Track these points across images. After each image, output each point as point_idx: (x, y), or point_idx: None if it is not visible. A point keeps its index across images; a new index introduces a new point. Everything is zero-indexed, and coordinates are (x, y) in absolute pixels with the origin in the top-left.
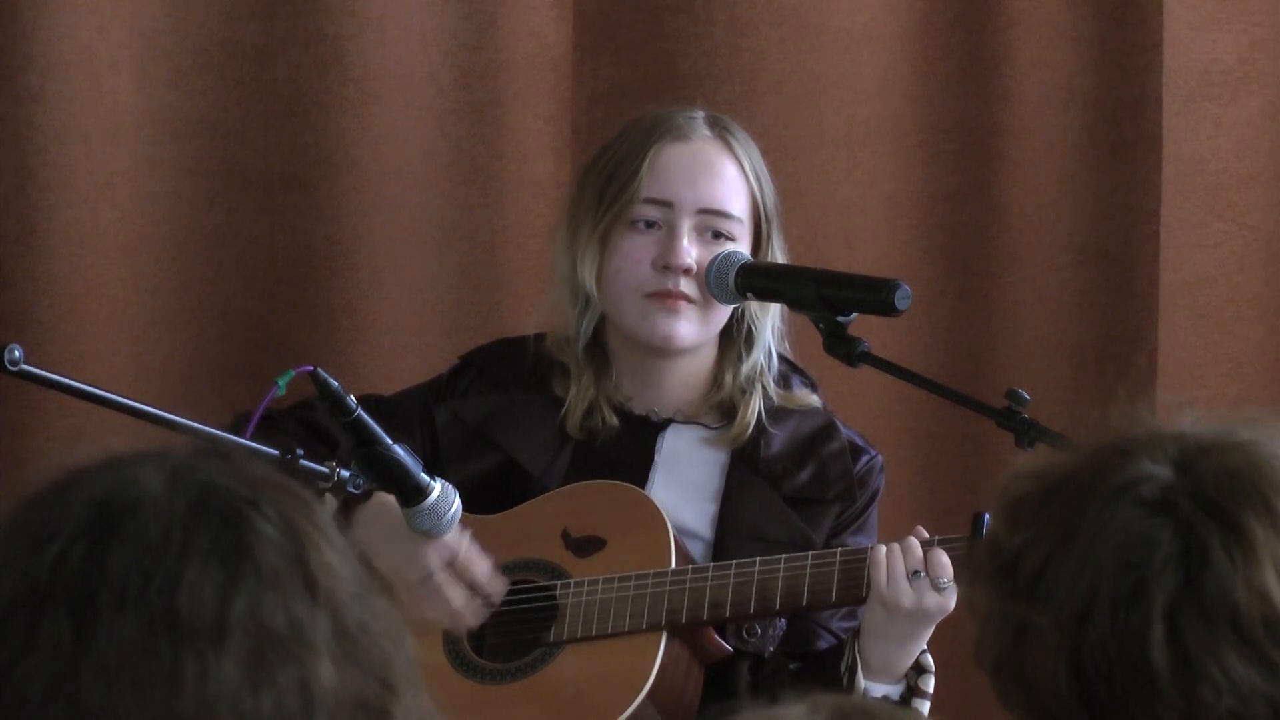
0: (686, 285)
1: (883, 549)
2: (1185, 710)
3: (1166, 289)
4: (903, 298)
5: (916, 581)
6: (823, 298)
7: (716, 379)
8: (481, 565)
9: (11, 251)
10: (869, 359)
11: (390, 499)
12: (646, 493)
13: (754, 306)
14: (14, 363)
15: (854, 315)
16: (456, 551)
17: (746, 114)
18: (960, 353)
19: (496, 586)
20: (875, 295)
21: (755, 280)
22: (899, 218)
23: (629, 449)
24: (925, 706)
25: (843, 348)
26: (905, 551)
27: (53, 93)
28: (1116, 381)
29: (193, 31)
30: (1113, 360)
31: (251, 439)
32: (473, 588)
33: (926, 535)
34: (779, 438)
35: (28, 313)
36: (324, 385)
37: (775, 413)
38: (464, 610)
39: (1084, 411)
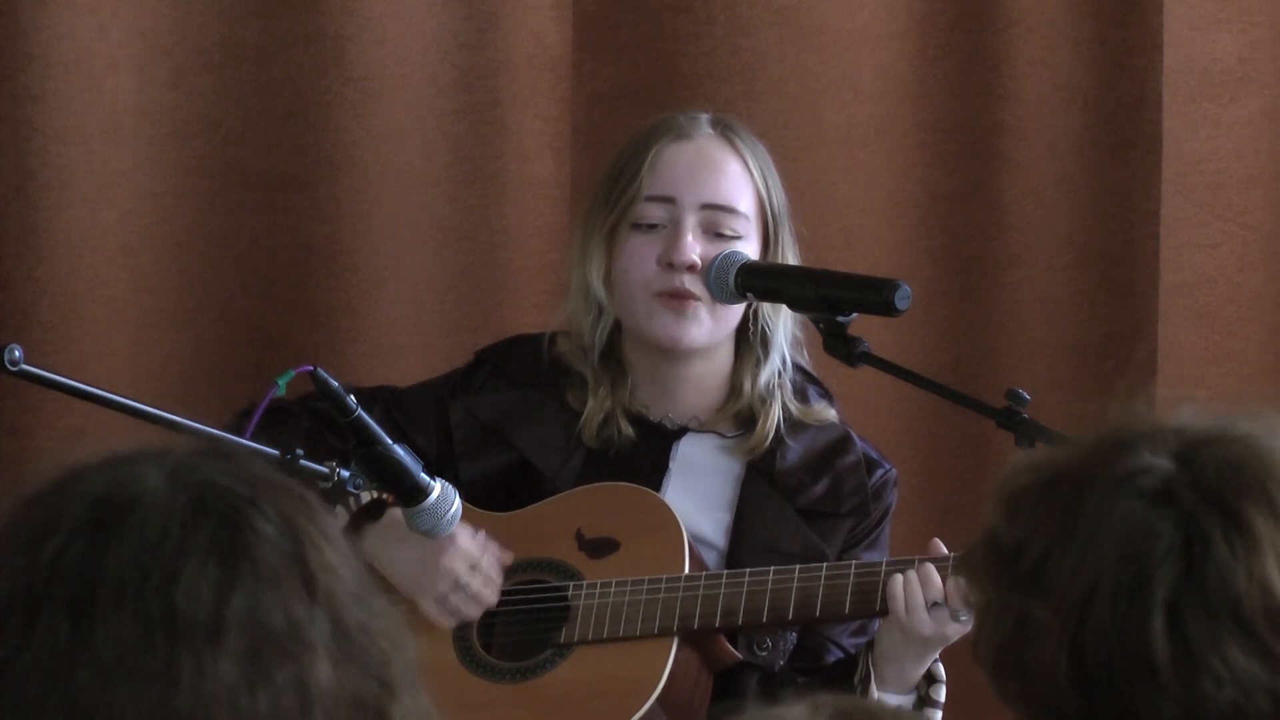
0: (692, 283)
1: (899, 579)
2: (1186, 701)
3: (1166, 289)
4: (903, 298)
5: (936, 612)
6: (823, 298)
7: (734, 386)
8: (502, 562)
9: (11, 251)
10: (869, 359)
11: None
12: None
13: (766, 308)
14: (14, 363)
15: (854, 315)
16: (479, 557)
17: (746, 114)
18: (960, 353)
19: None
20: (875, 295)
21: (755, 280)
22: (899, 218)
23: (643, 455)
24: (937, 716)
25: (843, 348)
26: (925, 582)
27: (53, 93)
28: (1115, 377)
29: (193, 31)
30: (1112, 360)
31: (260, 430)
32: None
33: (945, 551)
34: (795, 450)
35: (28, 313)
36: (324, 385)
37: (792, 424)
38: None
39: (1084, 411)
